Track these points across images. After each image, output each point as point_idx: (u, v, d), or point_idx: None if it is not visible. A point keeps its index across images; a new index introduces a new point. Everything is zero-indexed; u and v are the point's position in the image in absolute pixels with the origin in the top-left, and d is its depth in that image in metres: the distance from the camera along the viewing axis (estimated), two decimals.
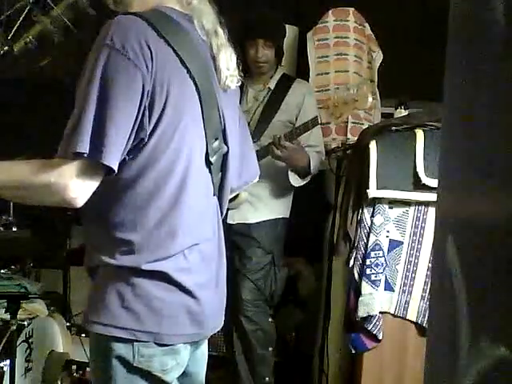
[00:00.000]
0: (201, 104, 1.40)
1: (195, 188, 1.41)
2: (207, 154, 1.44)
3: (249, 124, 2.86)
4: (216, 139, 1.45)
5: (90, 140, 1.24)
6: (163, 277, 1.36)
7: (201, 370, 1.58)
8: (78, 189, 1.26)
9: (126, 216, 1.35)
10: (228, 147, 1.49)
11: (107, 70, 1.26)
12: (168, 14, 1.39)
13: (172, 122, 1.33)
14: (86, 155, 1.24)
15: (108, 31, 1.28)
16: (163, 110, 1.31)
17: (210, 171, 1.46)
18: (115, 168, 1.27)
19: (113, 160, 1.26)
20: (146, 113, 1.29)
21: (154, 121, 1.31)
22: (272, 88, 3.02)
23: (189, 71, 1.37)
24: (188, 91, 1.38)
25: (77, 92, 1.31)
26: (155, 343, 1.36)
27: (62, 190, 1.26)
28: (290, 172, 2.89)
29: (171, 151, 1.34)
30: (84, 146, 1.24)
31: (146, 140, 1.31)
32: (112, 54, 1.26)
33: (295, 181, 2.91)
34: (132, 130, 1.28)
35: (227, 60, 1.48)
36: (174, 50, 1.35)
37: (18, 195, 1.39)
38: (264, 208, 2.98)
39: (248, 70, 2.96)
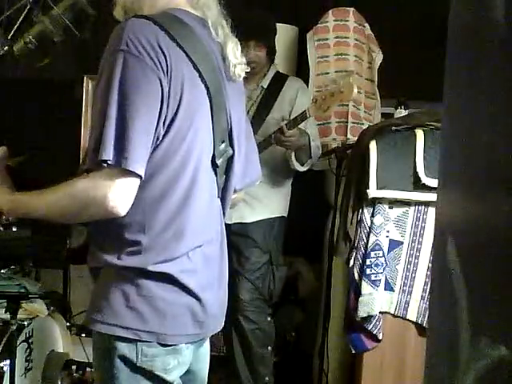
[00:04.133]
0: (211, 107, 1.41)
1: (202, 190, 1.42)
2: (214, 157, 1.45)
3: None
4: (223, 142, 1.46)
5: (114, 148, 1.24)
6: (168, 278, 1.37)
7: (203, 367, 1.59)
8: (117, 197, 1.27)
9: (135, 217, 1.35)
10: (234, 150, 1.50)
11: (125, 75, 1.26)
12: (179, 17, 1.39)
13: (184, 124, 1.34)
14: (110, 162, 1.25)
15: (121, 35, 1.28)
16: (176, 113, 1.32)
17: (216, 174, 1.47)
18: (142, 174, 1.28)
19: (138, 166, 1.27)
20: (163, 116, 1.30)
21: (167, 123, 1.32)
22: (265, 87, 3.02)
23: (200, 74, 1.38)
24: (199, 94, 1.39)
25: (94, 100, 1.31)
26: (158, 343, 1.37)
27: (102, 201, 1.27)
28: (292, 157, 2.89)
29: (182, 154, 1.35)
30: (108, 154, 1.24)
31: (159, 143, 1.32)
32: (129, 59, 1.26)
33: (298, 167, 2.91)
34: (155, 133, 1.29)
35: (234, 49, 1.50)
36: (186, 54, 1.35)
37: (62, 217, 1.38)
38: (261, 207, 2.98)
39: None
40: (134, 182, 1.29)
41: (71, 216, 1.37)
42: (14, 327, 2.34)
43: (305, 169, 2.94)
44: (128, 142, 1.25)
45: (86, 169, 1.30)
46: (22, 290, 2.45)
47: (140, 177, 1.29)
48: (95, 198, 1.27)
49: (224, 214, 1.56)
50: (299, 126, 2.81)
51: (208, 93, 1.40)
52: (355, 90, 2.53)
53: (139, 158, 1.27)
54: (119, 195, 1.27)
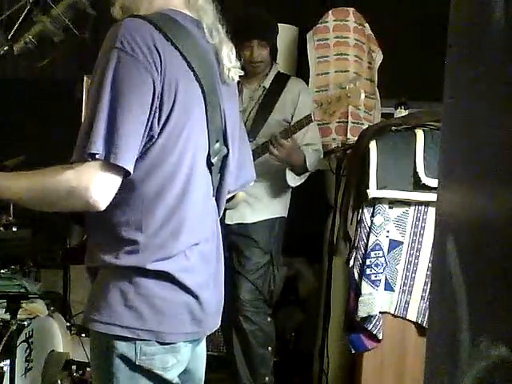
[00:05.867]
0: (205, 106, 1.42)
1: (198, 189, 1.42)
2: (209, 156, 1.45)
3: (245, 124, 2.87)
4: (217, 141, 1.47)
5: (104, 142, 1.25)
6: (166, 277, 1.37)
7: (200, 366, 1.60)
8: (100, 191, 1.27)
9: (133, 216, 1.36)
10: (228, 149, 1.51)
11: (118, 72, 1.27)
12: (174, 17, 1.41)
13: (179, 122, 1.35)
14: (99, 156, 1.25)
15: (116, 34, 1.29)
16: (171, 111, 1.33)
17: (211, 172, 1.47)
18: (130, 170, 1.28)
19: (127, 162, 1.27)
20: (156, 114, 1.31)
21: (162, 121, 1.33)
22: (267, 87, 3.01)
23: (195, 74, 1.39)
24: (194, 93, 1.40)
25: (88, 96, 1.32)
26: (157, 342, 1.38)
27: (84, 193, 1.26)
28: (287, 171, 2.88)
29: (177, 152, 1.36)
30: (97, 148, 1.25)
31: (154, 141, 1.33)
32: (122, 57, 1.27)
33: (292, 180, 2.90)
34: (144, 131, 1.29)
35: (228, 53, 1.51)
36: (181, 53, 1.37)
37: (40, 204, 1.38)
38: (262, 208, 2.97)
39: (242, 69, 2.95)
40: (119, 178, 1.29)
41: (48, 204, 1.36)
42: (14, 327, 2.34)
43: (299, 182, 2.93)
44: (118, 136, 1.25)
45: (72, 161, 1.29)
46: (22, 290, 2.46)
47: (128, 172, 1.29)
48: (77, 189, 1.27)
49: (219, 213, 1.57)
50: (300, 146, 2.82)
51: (202, 92, 1.41)
52: (362, 96, 2.52)
53: (128, 153, 1.27)
54: (102, 189, 1.27)
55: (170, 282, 1.37)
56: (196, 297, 1.42)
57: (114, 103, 1.26)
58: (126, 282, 1.36)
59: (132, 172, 1.29)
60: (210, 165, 1.46)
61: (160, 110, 1.31)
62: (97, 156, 1.25)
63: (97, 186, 1.26)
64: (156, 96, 1.30)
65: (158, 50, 1.31)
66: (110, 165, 1.26)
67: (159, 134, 1.33)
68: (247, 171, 1.70)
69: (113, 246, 1.37)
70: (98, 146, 1.25)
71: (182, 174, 1.38)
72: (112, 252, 1.36)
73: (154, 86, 1.29)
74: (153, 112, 1.30)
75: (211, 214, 1.51)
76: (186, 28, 1.41)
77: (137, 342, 1.36)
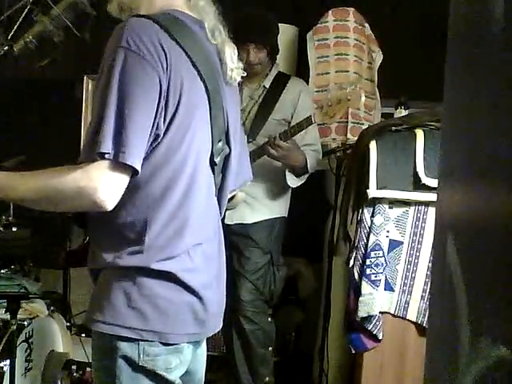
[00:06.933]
0: (209, 105, 1.43)
1: (201, 188, 1.43)
2: (212, 155, 1.46)
3: (244, 123, 2.87)
4: (220, 140, 1.48)
5: (112, 141, 1.25)
6: (170, 277, 1.37)
7: (200, 367, 1.60)
8: (108, 191, 1.27)
9: (138, 216, 1.35)
10: (230, 149, 1.51)
11: (125, 71, 1.27)
12: (178, 18, 1.41)
13: (183, 122, 1.35)
14: (108, 156, 1.25)
15: (122, 33, 1.29)
16: (176, 110, 1.33)
17: (213, 172, 1.48)
18: (139, 168, 1.28)
19: (136, 160, 1.27)
20: (162, 113, 1.31)
21: (167, 120, 1.33)
22: (267, 86, 3.01)
23: (199, 73, 1.40)
24: (198, 92, 1.40)
25: (94, 96, 1.32)
26: (160, 342, 1.38)
27: (93, 193, 1.26)
28: (287, 172, 2.88)
29: (182, 151, 1.36)
30: (107, 147, 1.25)
31: (160, 140, 1.33)
32: (129, 56, 1.28)
33: (292, 181, 2.90)
34: (151, 130, 1.29)
35: (231, 54, 1.52)
36: (186, 53, 1.37)
37: (47, 204, 1.37)
38: (261, 208, 2.98)
39: (244, 70, 2.95)
40: (127, 177, 1.29)
41: (55, 204, 1.36)
42: (14, 327, 2.35)
43: (299, 183, 2.93)
44: (126, 135, 1.25)
45: (80, 161, 1.29)
46: (22, 290, 2.46)
47: (137, 171, 1.29)
48: (86, 189, 1.26)
49: (221, 213, 1.57)
50: (300, 148, 2.82)
51: (206, 91, 1.42)
52: (363, 99, 2.52)
53: (137, 152, 1.27)
54: (110, 188, 1.27)
55: (173, 283, 1.37)
56: (199, 297, 1.42)
57: (122, 102, 1.26)
58: (129, 282, 1.36)
59: (140, 171, 1.29)
60: (212, 164, 1.47)
61: (166, 109, 1.31)
62: (106, 155, 1.25)
63: (105, 185, 1.26)
64: (162, 95, 1.30)
65: (163, 49, 1.31)
66: (118, 164, 1.26)
67: (165, 133, 1.33)
68: (245, 170, 1.71)
69: (116, 246, 1.37)
70: (107, 145, 1.24)
71: (186, 173, 1.38)
72: (115, 252, 1.36)
73: (161, 85, 1.30)
74: (159, 111, 1.30)
75: (213, 214, 1.51)
76: (190, 28, 1.42)
77: (140, 342, 1.36)
